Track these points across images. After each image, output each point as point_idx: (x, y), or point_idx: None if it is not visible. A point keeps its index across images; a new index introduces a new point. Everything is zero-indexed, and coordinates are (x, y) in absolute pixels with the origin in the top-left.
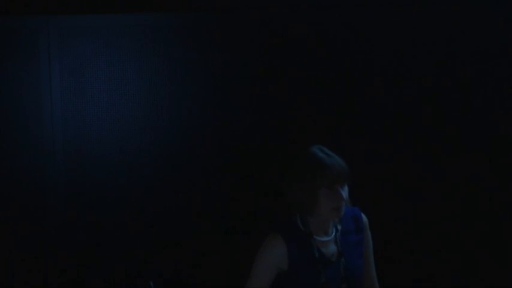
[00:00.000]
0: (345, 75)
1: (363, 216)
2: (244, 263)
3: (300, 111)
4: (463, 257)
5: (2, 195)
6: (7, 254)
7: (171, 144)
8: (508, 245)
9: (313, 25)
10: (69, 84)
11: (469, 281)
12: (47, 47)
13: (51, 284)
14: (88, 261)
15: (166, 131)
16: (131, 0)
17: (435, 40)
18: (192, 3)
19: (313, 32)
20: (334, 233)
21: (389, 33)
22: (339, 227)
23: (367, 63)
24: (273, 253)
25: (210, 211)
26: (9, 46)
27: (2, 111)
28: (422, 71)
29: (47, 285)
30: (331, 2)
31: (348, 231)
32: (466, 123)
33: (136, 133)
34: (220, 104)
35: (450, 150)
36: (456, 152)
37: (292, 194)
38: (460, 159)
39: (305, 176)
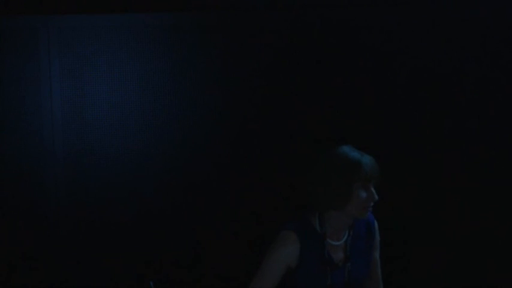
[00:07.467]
0: (345, 75)
1: (375, 221)
2: (245, 263)
3: (303, 111)
4: (463, 258)
5: (2, 195)
6: (7, 254)
7: (171, 144)
8: (509, 245)
9: (314, 25)
10: (69, 84)
11: (469, 282)
12: (47, 47)
13: (51, 283)
14: (88, 261)
15: (166, 130)
16: (131, 0)
17: (442, 39)
18: (192, 3)
19: (314, 31)
20: (345, 237)
21: (391, 34)
22: (351, 232)
23: (369, 62)
24: (286, 249)
25: (211, 211)
26: (9, 46)
27: (2, 111)
28: (424, 71)
29: (46, 285)
30: (334, 2)
31: (359, 236)
32: (467, 123)
33: (136, 133)
34: (220, 103)
35: (450, 150)
36: (457, 151)
37: (325, 190)
38: (461, 159)
39: (342, 170)
